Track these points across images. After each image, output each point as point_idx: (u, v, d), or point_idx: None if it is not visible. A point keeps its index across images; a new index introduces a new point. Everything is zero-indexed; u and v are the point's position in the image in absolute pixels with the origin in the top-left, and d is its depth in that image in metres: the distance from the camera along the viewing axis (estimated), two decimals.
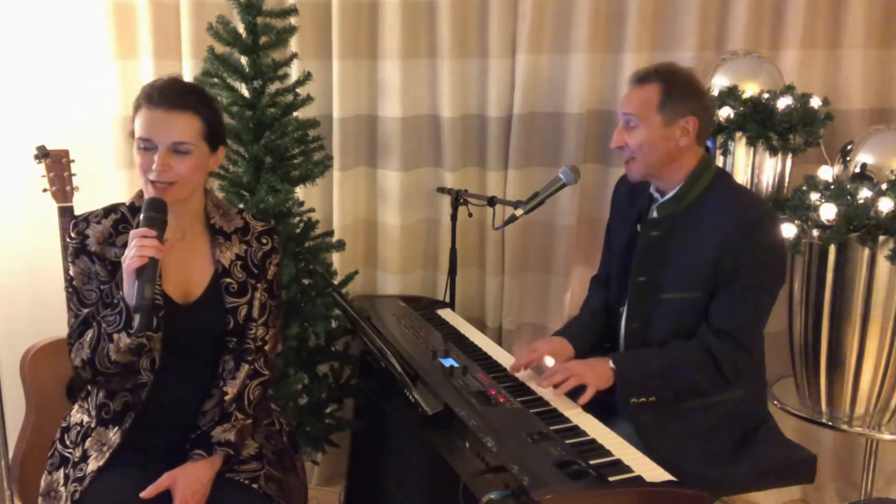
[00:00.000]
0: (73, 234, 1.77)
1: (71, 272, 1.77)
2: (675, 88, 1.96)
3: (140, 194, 1.80)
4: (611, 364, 1.93)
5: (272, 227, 1.90)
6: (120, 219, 1.78)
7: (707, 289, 1.95)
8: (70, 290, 1.78)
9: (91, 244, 1.75)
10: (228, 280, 1.80)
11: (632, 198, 2.16)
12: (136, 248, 1.59)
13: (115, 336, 1.65)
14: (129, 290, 1.62)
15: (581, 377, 1.89)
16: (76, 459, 1.76)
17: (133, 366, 1.73)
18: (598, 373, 1.91)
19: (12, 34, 2.82)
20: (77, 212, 2.34)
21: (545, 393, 1.96)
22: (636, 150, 1.99)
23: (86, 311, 1.75)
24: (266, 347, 1.85)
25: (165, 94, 1.69)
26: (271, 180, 2.37)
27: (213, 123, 1.75)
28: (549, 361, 2.06)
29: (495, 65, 2.75)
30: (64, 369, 2.46)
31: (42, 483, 1.82)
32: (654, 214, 2.06)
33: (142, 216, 1.66)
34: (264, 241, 1.87)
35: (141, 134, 1.68)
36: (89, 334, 1.70)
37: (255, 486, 1.75)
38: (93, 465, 1.73)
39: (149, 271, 1.59)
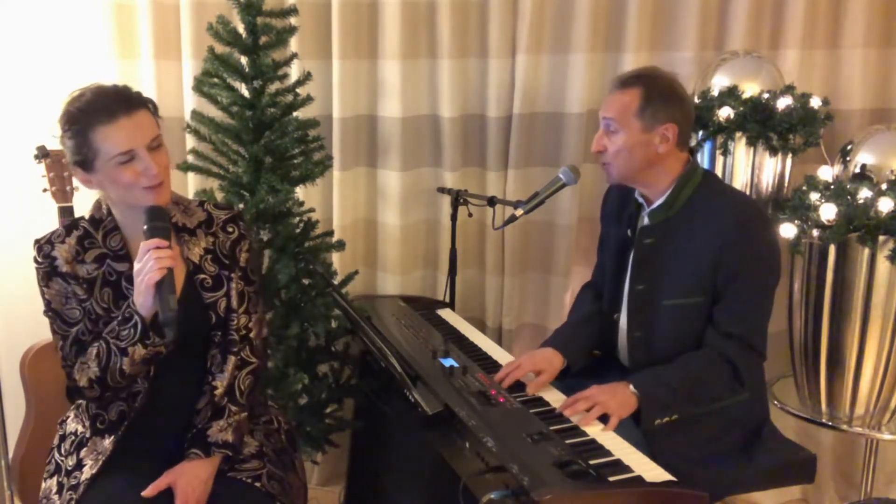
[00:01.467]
0: (39, 259, 1.72)
1: (47, 296, 1.73)
2: (656, 94, 1.95)
3: (98, 206, 1.77)
4: (632, 388, 1.88)
5: (236, 214, 1.88)
6: (83, 234, 1.74)
7: (707, 293, 1.95)
8: (50, 313, 1.74)
9: (61, 265, 1.71)
10: (202, 276, 1.79)
11: (621, 205, 2.16)
12: (154, 261, 1.58)
13: (131, 349, 1.64)
14: (146, 302, 1.61)
15: (605, 406, 1.83)
16: (69, 468, 1.76)
17: (138, 376, 1.72)
18: (621, 400, 1.85)
19: (13, 34, 2.82)
20: (77, 212, 2.35)
21: (546, 394, 1.96)
22: (614, 156, 1.98)
23: (73, 330, 1.73)
24: (251, 335, 1.84)
25: (119, 101, 1.63)
26: (271, 180, 2.37)
27: (157, 111, 1.72)
28: (529, 378, 2.02)
29: (495, 65, 2.75)
30: None
31: (41, 489, 1.82)
32: (646, 222, 2.06)
33: (146, 227, 1.63)
34: (230, 229, 1.85)
35: (121, 149, 1.61)
36: (93, 352, 1.68)
37: (257, 484, 1.76)
38: (87, 473, 1.73)
39: (168, 282, 1.59)
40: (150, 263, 1.58)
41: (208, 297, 1.79)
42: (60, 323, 1.74)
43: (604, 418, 1.83)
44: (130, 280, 1.70)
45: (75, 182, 2.41)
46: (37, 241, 1.75)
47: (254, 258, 1.90)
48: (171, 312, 1.57)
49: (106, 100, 1.64)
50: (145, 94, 1.71)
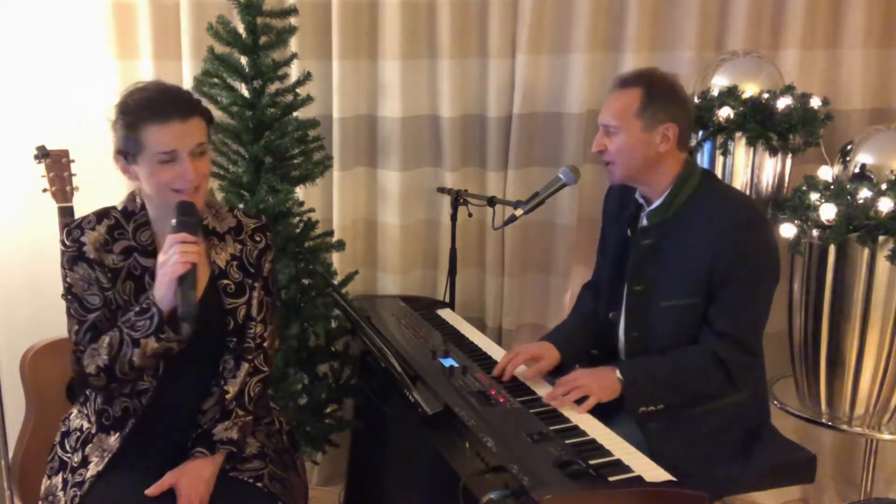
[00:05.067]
0: (68, 242, 1.73)
1: (69, 280, 1.73)
2: (657, 94, 1.95)
3: (132, 198, 1.79)
4: (618, 374, 1.91)
5: (264, 224, 1.90)
6: (114, 225, 1.76)
7: (704, 294, 1.95)
8: (69, 297, 1.74)
9: (88, 251, 1.72)
10: (226, 281, 1.80)
11: (622, 204, 2.16)
12: (179, 255, 1.59)
13: (143, 341, 1.64)
14: (167, 295, 1.61)
15: (585, 388, 1.87)
16: (75, 464, 1.76)
17: (146, 371, 1.72)
18: (603, 384, 1.89)
19: (12, 34, 2.82)
20: (77, 212, 2.35)
21: (545, 393, 1.96)
22: (615, 155, 1.99)
23: (91, 316, 1.72)
24: (265, 344, 1.85)
25: (175, 105, 1.66)
26: (271, 180, 2.37)
27: (212, 121, 1.76)
28: (521, 369, 2.05)
29: (495, 65, 2.75)
30: (64, 369, 2.46)
31: (42, 487, 1.82)
32: (644, 222, 2.06)
33: (174, 221, 1.65)
34: (258, 238, 1.87)
35: (164, 148, 1.64)
36: (106, 340, 1.68)
37: (259, 484, 1.76)
38: (93, 469, 1.73)
39: (191, 277, 1.60)
40: (175, 256, 1.60)
41: (229, 303, 1.79)
42: (78, 307, 1.73)
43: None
44: (154, 276, 1.71)
45: (75, 182, 2.42)
46: (66, 225, 1.76)
47: (273, 270, 1.91)
48: (190, 308, 1.58)
49: (164, 101, 1.66)
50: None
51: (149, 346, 1.65)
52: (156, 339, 1.64)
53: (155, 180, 1.67)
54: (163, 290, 1.62)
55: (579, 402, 1.87)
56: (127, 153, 1.69)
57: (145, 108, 1.65)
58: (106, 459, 1.73)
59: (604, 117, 2.00)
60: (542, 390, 1.98)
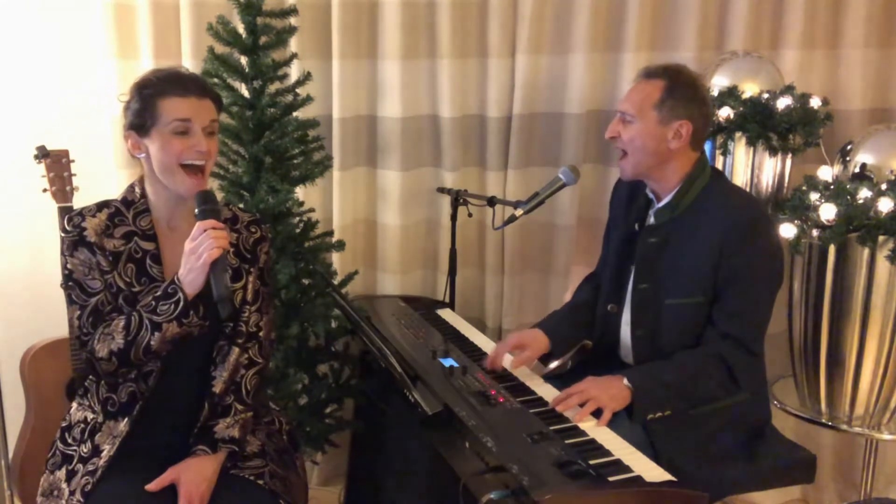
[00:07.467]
0: (69, 228, 1.76)
1: (69, 266, 1.76)
2: (678, 89, 1.96)
3: (131, 188, 1.83)
4: (626, 382, 1.90)
5: (259, 219, 1.95)
6: (114, 213, 1.79)
7: (708, 293, 1.95)
8: (70, 283, 1.76)
9: (89, 235, 1.75)
10: None
11: (630, 199, 2.16)
12: (211, 240, 1.64)
13: (165, 325, 1.67)
14: (197, 281, 1.66)
15: (597, 401, 1.85)
16: (84, 454, 1.76)
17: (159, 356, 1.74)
18: (614, 394, 1.87)
19: (12, 34, 2.82)
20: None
21: (545, 393, 1.96)
22: (627, 144, 2.00)
23: (93, 300, 1.74)
24: (260, 334, 1.87)
25: (194, 84, 1.76)
26: (271, 180, 2.37)
27: (221, 109, 1.84)
28: (508, 359, 2.07)
29: (495, 65, 2.75)
30: (64, 369, 2.46)
31: (42, 483, 1.82)
32: (652, 220, 2.06)
33: (198, 210, 1.70)
34: (253, 229, 1.91)
35: (181, 115, 1.71)
36: (120, 324, 1.70)
37: (260, 482, 1.76)
38: (105, 457, 1.74)
39: (223, 262, 1.66)
40: (207, 242, 1.64)
41: None
42: (79, 292, 1.76)
43: (599, 413, 1.84)
44: (155, 258, 1.77)
45: (75, 182, 2.42)
46: (67, 214, 1.80)
47: (269, 262, 1.95)
48: (226, 291, 1.63)
49: (184, 79, 1.77)
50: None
51: (170, 330, 1.68)
52: (178, 323, 1.68)
53: (166, 152, 1.72)
54: (193, 275, 1.66)
55: (594, 414, 1.86)
56: (140, 126, 1.73)
57: (167, 82, 1.74)
58: (116, 444, 1.74)
59: (622, 105, 2.02)
60: (542, 390, 1.98)
